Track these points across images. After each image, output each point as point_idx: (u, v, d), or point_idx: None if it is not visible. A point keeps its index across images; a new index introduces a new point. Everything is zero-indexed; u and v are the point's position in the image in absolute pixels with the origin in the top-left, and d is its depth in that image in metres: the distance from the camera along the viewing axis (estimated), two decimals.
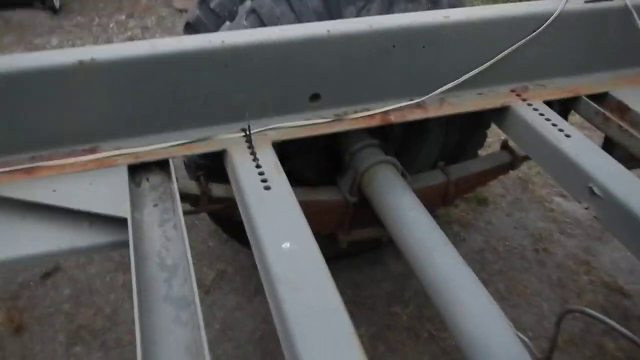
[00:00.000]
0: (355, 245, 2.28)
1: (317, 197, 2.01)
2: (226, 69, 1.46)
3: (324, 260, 1.18)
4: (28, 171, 1.37)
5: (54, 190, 1.33)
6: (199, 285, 2.51)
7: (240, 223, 1.85)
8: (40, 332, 2.32)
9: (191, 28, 2.12)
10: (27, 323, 2.35)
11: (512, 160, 2.11)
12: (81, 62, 1.34)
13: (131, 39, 5.45)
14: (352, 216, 2.06)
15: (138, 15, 5.97)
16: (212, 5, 2.08)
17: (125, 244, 1.28)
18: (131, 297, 2.43)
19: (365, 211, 1.94)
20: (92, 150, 1.45)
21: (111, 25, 5.76)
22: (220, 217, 2.25)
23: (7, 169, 1.36)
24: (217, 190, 1.73)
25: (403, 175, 1.87)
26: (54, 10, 5.96)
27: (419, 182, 2.02)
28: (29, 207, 1.33)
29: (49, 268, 2.61)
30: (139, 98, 1.44)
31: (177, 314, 1.10)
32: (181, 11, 6.16)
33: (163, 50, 1.40)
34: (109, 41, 5.39)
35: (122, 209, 1.29)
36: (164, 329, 1.07)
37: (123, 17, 5.93)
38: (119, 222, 1.29)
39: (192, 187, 1.69)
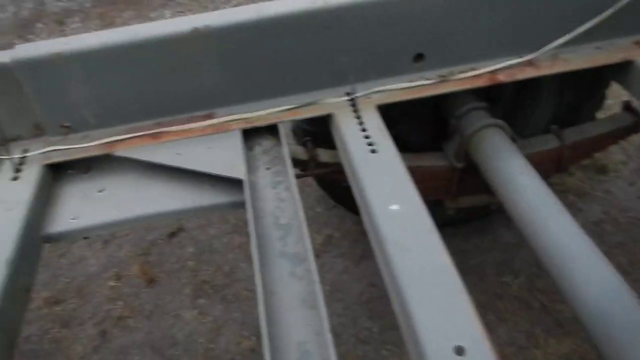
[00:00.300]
0: (462, 213, 2.25)
1: (422, 162, 2.00)
2: (329, 30, 1.48)
3: (432, 222, 1.19)
4: (154, 136, 1.52)
5: (178, 153, 1.46)
6: None
7: (346, 188, 1.91)
8: (169, 285, 2.58)
9: None
10: (158, 276, 2.62)
11: (635, 122, 1.94)
12: (196, 29, 1.42)
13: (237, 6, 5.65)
14: (459, 182, 2.03)
15: None
16: None
17: (242, 205, 1.39)
18: (247, 258, 2.61)
19: (472, 177, 1.90)
20: (209, 116, 1.56)
21: None
22: (327, 182, 2.33)
23: (136, 134, 1.52)
24: (323, 155, 1.80)
25: (513, 139, 1.80)
26: None
27: (530, 146, 1.93)
28: (155, 169, 1.48)
29: (174, 228, 2.87)
30: (248, 63, 1.50)
31: (293, 269, 1.17)
32: None
33: (268, 14, 1.44)
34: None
35: (239, 171, 1.39)
36: (281, 282, 1.15)
37: None
38: (237, 184, 1.39)
39: (300, 152, 1.76)
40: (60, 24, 5.69)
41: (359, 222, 2.76)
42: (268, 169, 1.47)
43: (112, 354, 2.30)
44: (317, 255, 2.65)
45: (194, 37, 1.43)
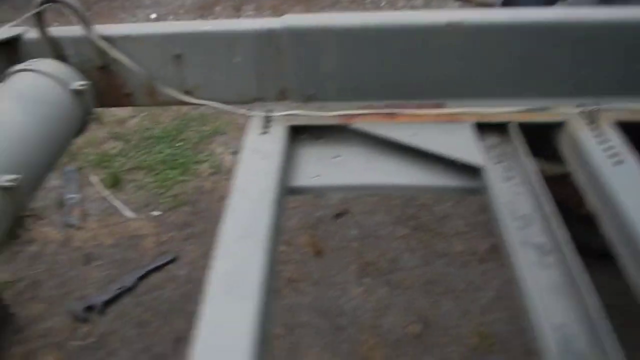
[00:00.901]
0: None
1: None
2: (579, 44, 1.50)
3: None
4: (390, 115, 1.63)
5: (414, 134, 1.57)
6: (473, 252, 2.67)
7: None
8: (335, 260, 2.73)
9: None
10: (325, 250, 2.79)
11: None
12: (449, 24, 1.49)
13: None
14: None
15: None
16: None
17: (472, 191, 1.46)
18: (409, 249, 2.66)
19: None
20: (438, 105, 1.63)
21: (382, 4, 6.16)
22: None
23: (373, 111, 1.64)
24: None
25: None
26: None
27: None
28: (386, 146, 1.60)
29: (340, 209, 3.03)
30: (489, 62, 1.55)
31: (538, 258, 1.21)
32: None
33: (524, 19, 1.48)
34: None
35: (478, 159, 1.46)
36: (527, 270, 1.19)
37: None
38: (470, 170, 1.46)
39: None
40: (236, 10, 6.17)
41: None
42: (496, 163, 1.53)
43: (282, 309, 2.49)
44: (482, 261, 2.66)
45: (445, 31, 1.51)
